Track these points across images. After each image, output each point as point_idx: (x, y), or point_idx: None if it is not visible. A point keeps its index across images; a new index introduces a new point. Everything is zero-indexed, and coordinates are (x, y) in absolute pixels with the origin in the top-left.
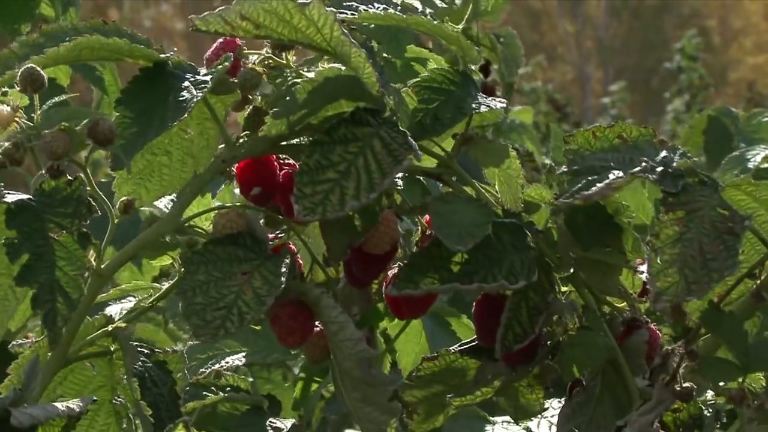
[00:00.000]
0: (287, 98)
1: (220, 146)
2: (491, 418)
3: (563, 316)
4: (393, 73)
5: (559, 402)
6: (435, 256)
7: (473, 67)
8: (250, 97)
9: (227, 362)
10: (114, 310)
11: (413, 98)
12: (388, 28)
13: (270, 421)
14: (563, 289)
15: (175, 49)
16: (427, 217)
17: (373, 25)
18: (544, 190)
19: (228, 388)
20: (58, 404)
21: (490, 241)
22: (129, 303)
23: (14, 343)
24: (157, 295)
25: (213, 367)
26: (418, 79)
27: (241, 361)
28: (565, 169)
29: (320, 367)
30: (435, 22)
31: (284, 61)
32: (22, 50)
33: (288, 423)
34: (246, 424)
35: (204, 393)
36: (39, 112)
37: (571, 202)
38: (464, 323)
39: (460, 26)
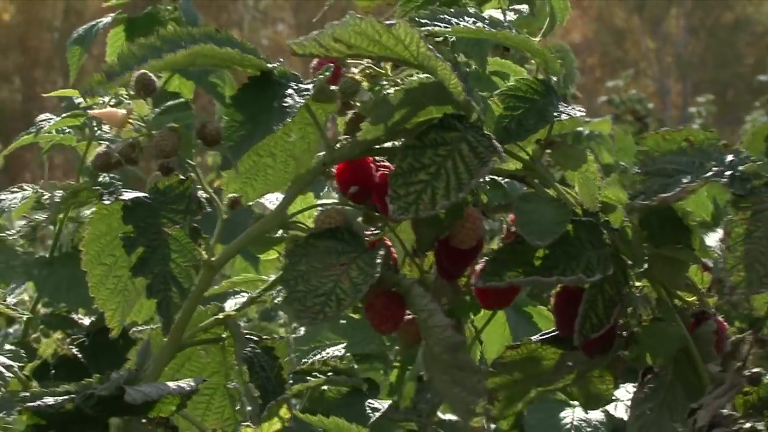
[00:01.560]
0: (382, 105)
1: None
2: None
3: (637, 309)
4: (476, 83)
5: (627, 391)
6: (518, 251)
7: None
8: (352, 103)
9: (328, 352)
10: (229, 302)
11: (499, 106)
12: (476, 41)
13: (369, 402)
14: (637, 284)
15: (281, 60)
16: (511, 216)
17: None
18: (620, 191)
19: (330, 373)
20: (170, 383)
21: (569, 238)
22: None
23: (134, 329)
24: (264, 286)
25: (315, 357)
26: (504, 88)
27: (341, 351)
28: (638, 170)
29: (413, 355)
30: (522, 37)
31: (382, 71)
32: (140, 51)
33: (385, 404)
34: (347, 404)
35: (309, 378)
36: (151, 114)
37: (648, 204)
38: (545, 315)
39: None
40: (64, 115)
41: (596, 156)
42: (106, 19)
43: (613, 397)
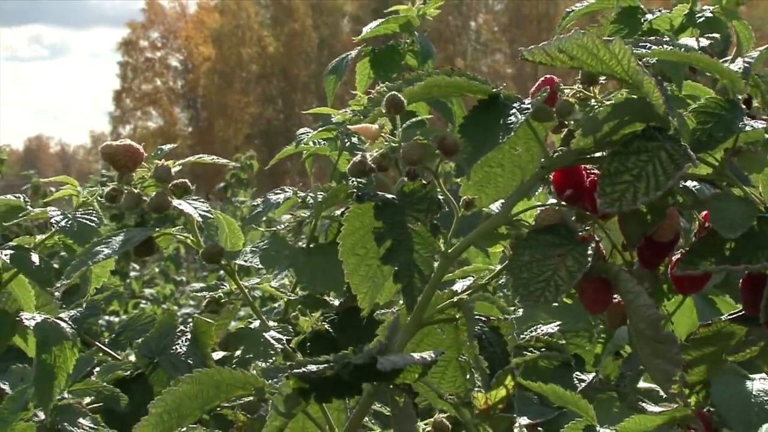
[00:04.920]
0: (591, 120)
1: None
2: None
3: None
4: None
5: None
6: (710, 244)
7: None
8: (566, 122)
9: (542, 330)
10: (458, 286)
11: (692, 120)
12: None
13: (576, 374)
14: None
15: (505, 84)
16: (704, 213)
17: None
18: None
19: (543, 349)
20: (414, 354)
21: (754, 231)
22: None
23: (378, 312)
24: (492, 274)
25: (532, 334)
26: (695, 105)
27: (553, 329)
28: None
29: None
30: (712, 60)
31: (590, 93)
32: (387, 91)
33: (590, 376)
34: (558, 376)
35: (525, 352)
36: (400, 129)
37: None
38: (726, 301)
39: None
40: (319, 129)
41: None
42: (354, 52)
43: None
